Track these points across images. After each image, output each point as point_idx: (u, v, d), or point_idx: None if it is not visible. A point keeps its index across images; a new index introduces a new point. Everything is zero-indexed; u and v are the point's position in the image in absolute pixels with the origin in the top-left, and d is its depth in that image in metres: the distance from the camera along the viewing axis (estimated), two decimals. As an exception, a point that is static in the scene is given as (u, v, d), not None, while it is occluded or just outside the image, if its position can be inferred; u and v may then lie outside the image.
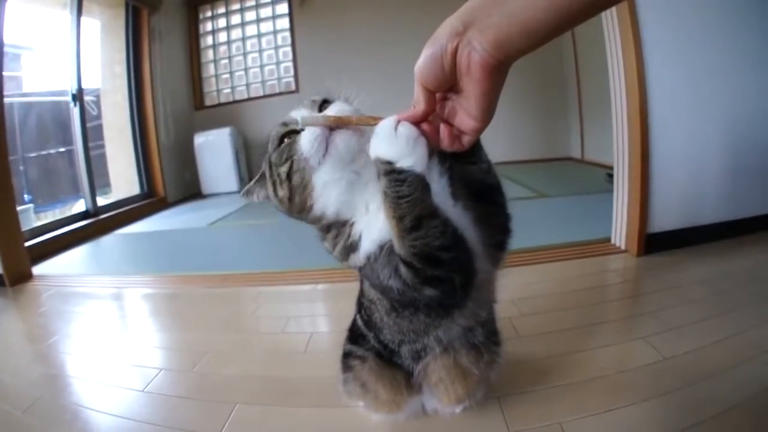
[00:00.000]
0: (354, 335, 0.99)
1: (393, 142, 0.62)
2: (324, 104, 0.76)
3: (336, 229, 0.78)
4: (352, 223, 0.75)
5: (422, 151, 0.62)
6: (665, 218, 1.88)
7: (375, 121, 0.66)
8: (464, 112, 0.59)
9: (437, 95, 0.60)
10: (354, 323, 1.00)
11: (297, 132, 0.73)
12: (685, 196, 1.89)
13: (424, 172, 0.63)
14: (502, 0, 0.49)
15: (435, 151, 0.68)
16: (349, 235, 0.75)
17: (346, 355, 0.98)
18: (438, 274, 0.67)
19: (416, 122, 0.62)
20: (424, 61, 0.56)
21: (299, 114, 0.74)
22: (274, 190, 0.77)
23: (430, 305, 0.73)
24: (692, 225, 1.91)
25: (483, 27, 0.50)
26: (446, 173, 0.72)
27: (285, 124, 0.76)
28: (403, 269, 0.68)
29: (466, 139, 0.62)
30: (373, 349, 0.94)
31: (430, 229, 0.64)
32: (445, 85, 0.57)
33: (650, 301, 1.49)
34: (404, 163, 0.62)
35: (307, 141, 0.69)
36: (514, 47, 0.50)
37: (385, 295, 0.81)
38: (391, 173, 0.62)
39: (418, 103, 0.61)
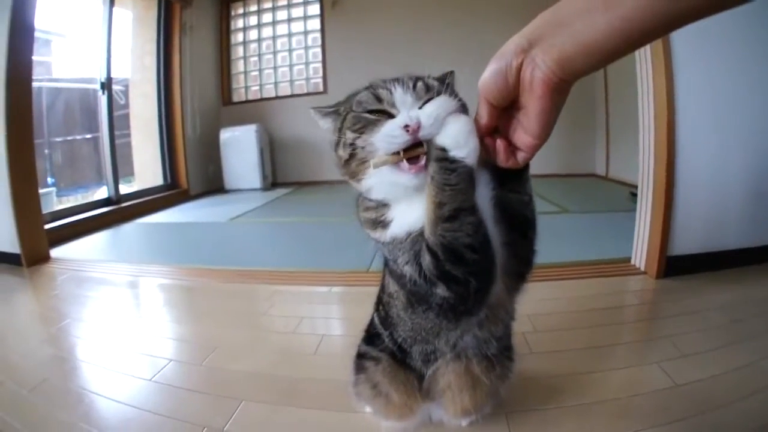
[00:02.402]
0: (370, 335, 0.97)
1: (450, 131, 0.64)
2: (427, 101, 0.69)
3: (375, 202, 0.77)
4: (390, 207, 0.75)
5: (475, 145, 0.63)
6: (687, 241, 1.84)
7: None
8: (522, 129, 0.61)
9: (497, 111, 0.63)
10: (371, 323, 0.99)
11: (383, 113, 0.69)
12: (708, 219, 1.85)
13: (474, 166, 0.64)
14: (566, 21, 0.50)
15: (488, 168, 0.69)
16: (383, 214, 0.75)
17: (360, 356, 0.97)
18: (456, 274, 0.67)
19: (478, 135, 0.65)
20: (489, 75, 0.58)
21: (402, 101, 0.69)
22: (336, 146, 0.76)
23: (441, 306, 0.73)
24: (714, 250, 1.87)
25: (547, 46, 0.52)
26: (493, 192, 0.72)
27: (379, 100, 0.70)
28: (426, 256, 0.68)
29: (522, 156, 0.64)
30: (387, 350, 0.93)
31: (465, 224, 0.64)
32: (507, 100, 0.59)
33: (666, 326, 1.46)
34: (458, 153, 0.63)
35: (384, 135, 0.66)
36: (576, 66, 0.52)
37: (400, 284, 0.81)
38: (443, 160, 0.63)
39: (480, 117, 0.63)
